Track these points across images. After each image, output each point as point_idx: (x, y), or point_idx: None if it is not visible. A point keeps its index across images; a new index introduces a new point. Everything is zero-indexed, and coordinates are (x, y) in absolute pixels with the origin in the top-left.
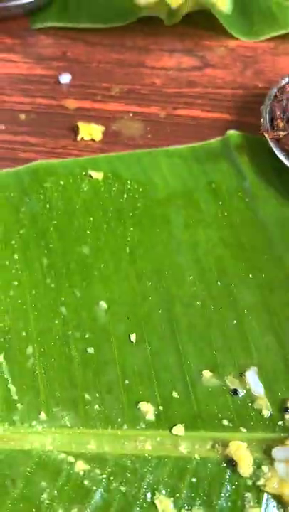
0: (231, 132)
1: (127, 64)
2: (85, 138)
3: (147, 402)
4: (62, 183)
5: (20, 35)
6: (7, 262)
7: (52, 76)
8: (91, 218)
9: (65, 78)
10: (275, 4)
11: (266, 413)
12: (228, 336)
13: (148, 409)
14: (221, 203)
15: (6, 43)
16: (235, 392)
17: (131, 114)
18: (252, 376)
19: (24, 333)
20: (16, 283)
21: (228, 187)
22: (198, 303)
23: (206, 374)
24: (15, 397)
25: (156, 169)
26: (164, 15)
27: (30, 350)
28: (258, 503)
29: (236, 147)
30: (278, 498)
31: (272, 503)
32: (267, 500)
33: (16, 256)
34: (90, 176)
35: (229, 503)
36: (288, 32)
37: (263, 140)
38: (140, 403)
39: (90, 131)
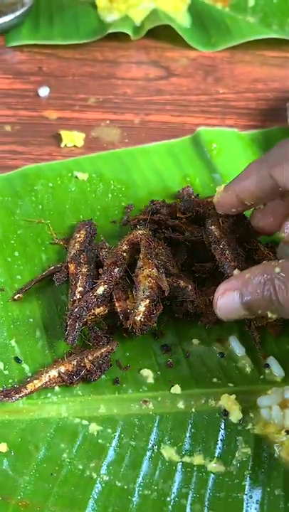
0: (201, 129)
1: (100, 76)
2: (68, 144)
3: (147, 368)
4: (51, 184)
5: None
6: (9, 259)
7: (31, 90)
8: (81, 216)
9: (44, 91)
10: (229, 18)
11: (249, 370)
12: None
13: (148, 374)
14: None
15: None
16: (221, 354)
17: (108, 122)
18: (234, 341)
19: (31, 320)
20: (19, 277)
21: (201, 179)
22: None
23: (196, 342)
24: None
25: (136, 168)
26: (130, 30)
27: (38, 333)
28: (248, 443)
29: (206, 142)
30: (264, 438)
31: (260, 443)
32: (255, 440)
33: (16, 253)
34: (76, 177)
35: (224, 447)
36: (242, 42)
37: (229, 134)
38: (141, 370)
39: (72, 138)
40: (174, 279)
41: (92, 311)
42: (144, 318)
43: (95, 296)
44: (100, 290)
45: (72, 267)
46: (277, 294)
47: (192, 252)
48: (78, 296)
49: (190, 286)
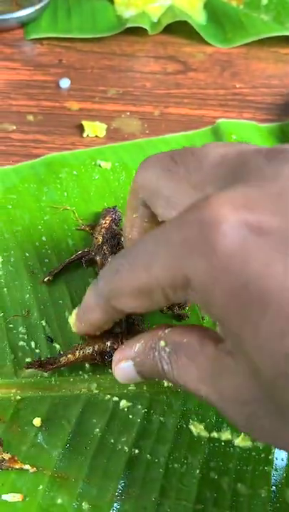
0: (221, 120)
1: (118, 69)
2: (90, 135)
3: None
4: (75, 172)
5: (17, 45)
6: (37, 244)
7: (52, 81)
8: (105, 204)
9: (65, 83)
10: (243, 15)
11: None
12: None
13: None
14: None
15: (5, 52)
16: None
17: (128, 113)
18: None
19: (60, 301)
20: (47, 260)
21: None
22: None
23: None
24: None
25: None
26: (147, 25)
27: (67, 314)
28: None
29: (226, 133)
30: None
31: None
32: None
33: (44, 238)
34: (100, 166)
35: None
36: (256, 39)
37: (248, 126)
38: None
39: (94, 129)
40: None
41: None
42: None
43: None
44: None
45: (100, 261)
46: (165, 373)
47: None
48: None
49: None
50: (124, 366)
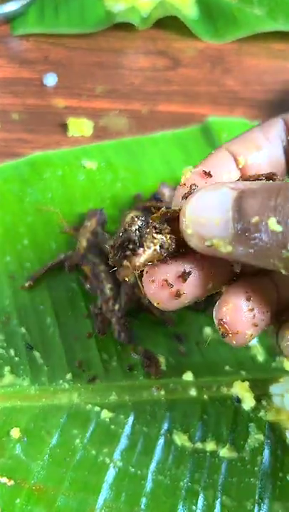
0: (211, 118)
1: (107, 66)
2: (75, 134)
3: (160, 355)
4: (60, 173)
5: (2, 41)
6: (18, 247)
7: (37, 79)
8: (90, 205)
9: (51, 80)
10: (237, 9)
11: (260, 358)
12: None
13: (161, 361)
14: None
15: None
16: None
17: (116, 111)
18: None
19: (42, 307)
20: (28, 264)
21: None
22: None
23: (207, 331)
24: (40, 361)
25: (145, 157)
26: (137, 21)
27: (49, 320)
28: (261, 430)
29: (216, 131)
30: (276, 425)
31: (272, 429)
32: (267, 427)
33: (25, 241)
34: (84, 167)
35: (236, 433)
36: (250, 34)
37: (240, 124)
38: None
39: (81, 127)
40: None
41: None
42: None
43: (132, 285)
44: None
45: (87, 270)
46: None
47: None
48: (110, 293)
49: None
50: (214, 192)
